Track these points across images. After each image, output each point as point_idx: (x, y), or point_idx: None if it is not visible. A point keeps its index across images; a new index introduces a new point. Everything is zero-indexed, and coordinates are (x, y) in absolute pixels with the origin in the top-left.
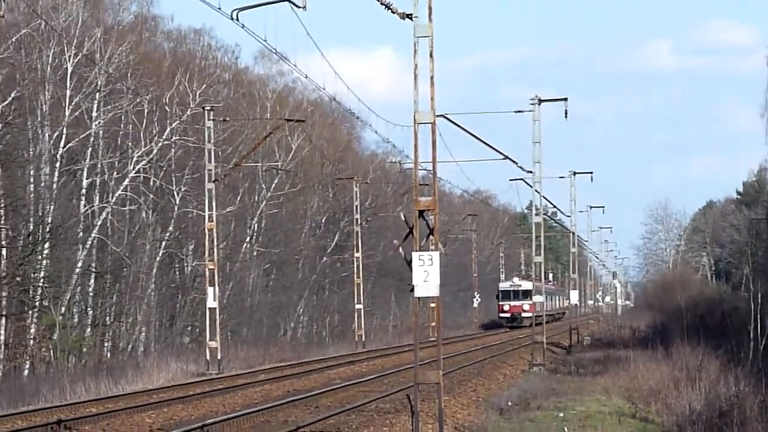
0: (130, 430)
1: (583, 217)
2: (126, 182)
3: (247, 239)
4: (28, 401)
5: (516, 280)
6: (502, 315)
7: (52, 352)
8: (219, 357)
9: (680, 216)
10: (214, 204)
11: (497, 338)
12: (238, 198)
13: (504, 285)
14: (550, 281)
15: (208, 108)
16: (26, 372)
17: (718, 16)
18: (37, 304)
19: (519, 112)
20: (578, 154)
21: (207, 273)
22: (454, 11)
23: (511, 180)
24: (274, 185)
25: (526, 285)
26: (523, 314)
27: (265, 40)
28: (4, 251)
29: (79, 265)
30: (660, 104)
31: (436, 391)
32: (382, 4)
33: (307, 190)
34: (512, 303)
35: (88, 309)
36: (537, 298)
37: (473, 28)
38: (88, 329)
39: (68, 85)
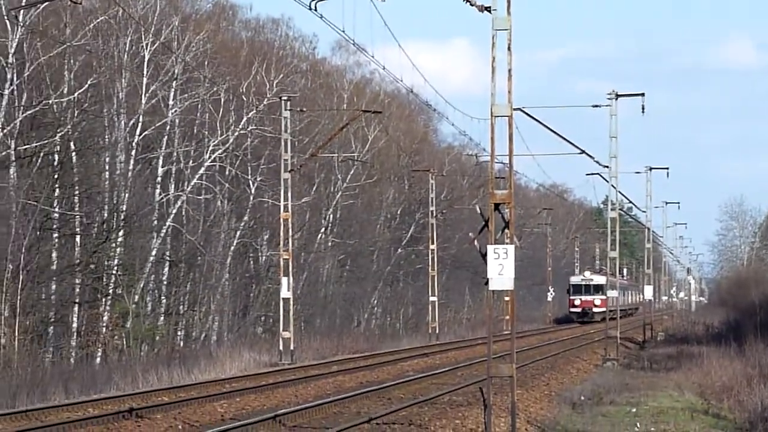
0: (202, 419)
1: (659, 212)
2: (201, 171)
3: (322, 230)
4: (100, 389)
5: (587, 274)
6: (572, 310)
7: (124, 340)
8: (292, 347)
9: (755, 213)
10: (289, 194)
11: (570, 332)
12: (314, 188)
13: (575, 279)
14: (623, 276)
15: (285, 98)
16: (98, 360)
17: None
18: (110, 291)
19: (596, 106)
20: (655, 149)
21: (281, 263)
22: (534, 3)
23: (587, 174)
24: (349, 176)
25: (598, 279)
26: (594, 309)
27: (343, 31)
28: (78, 239)
29: (153, 253)
30: (739, 100)
31: (509, 385)
32: None
33: (383, 181)
34: (583, 297)
35: (162, 297)
36: (611, 293)
37: (552, 20)
38: (161, 318)
39: (145, 72)
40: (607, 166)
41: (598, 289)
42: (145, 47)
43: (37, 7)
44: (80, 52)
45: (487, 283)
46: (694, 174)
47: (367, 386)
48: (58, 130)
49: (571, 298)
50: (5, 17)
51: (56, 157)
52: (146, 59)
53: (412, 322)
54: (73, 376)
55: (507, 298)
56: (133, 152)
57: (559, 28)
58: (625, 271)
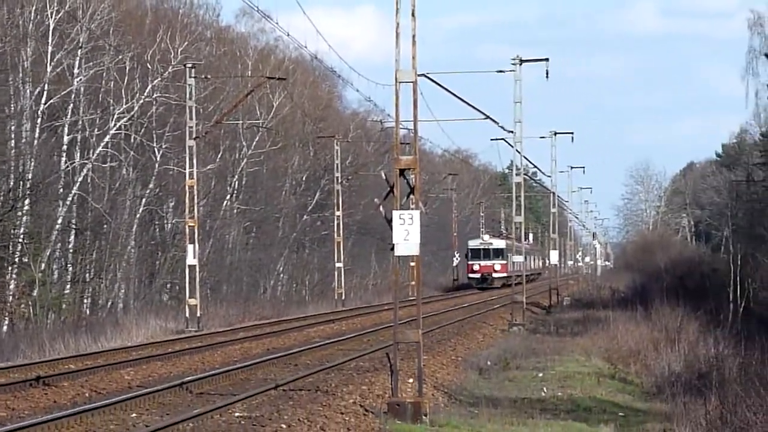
0: (109, 386)
1: (564, 177)
2: (107, 139)
3: (228, 197)
4: (6, 357)
5: (486, 237)
6: (471, 275)
7: (31, 308)
8: (198, 314)
9: (660, 177)
10: (194, 161)
11: (477, 297)
12: (219, 156)
13: (473, 243)
14: (527, 241)
15: (190, 65)
16: (5, 328)
17: None
18: (16, 260)
19: (500, 72)
20: (560, 115)
21: (187, 230)
22: None
23: (492, 140)
24: (255, 143)
25: (498, 243)
26: (494, 274)
27: None
28: None
29: (60, 221)
30: (643, 66)
31: (415, 350)
32: None
33: (288, 148)
34: (482, 262)
35: (68, 265)
36: (516, 258)
37: None
38: (68, 286)
39: (50, 41)
40: (512, 132)
41: (498, 253)
42: (49, 16)
43: None
44: None
45: (392, 248)
46: (600, 140)
47: (274, 353)
48: None
49: (470, 263)
50: None
51: None
52: (51, 28)
53: (318, 289)
54: None
55: (413, 264)
56: (39, 121)
57: None
58: (531, 236)
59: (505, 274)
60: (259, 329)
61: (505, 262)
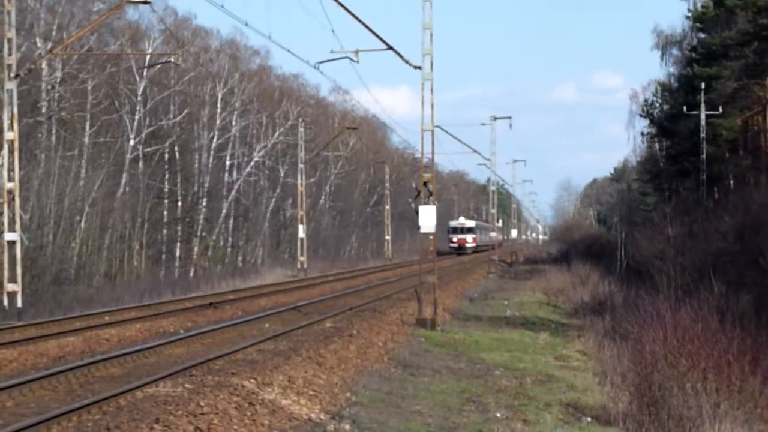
0: (252, 308)
1: (509, 169)
2: (252, 163)
3: (323, 197)
4: (192, 291)
5: (462, 219)
6: (450, 245)
7: (207, 262)
8: (305, 266)
9: (578, 187)
10: (303, 177)
11: (469, 258)
12: (318, 173)
13: (453, 223)
14: (488, 222)
15: (301, 120)
16: (191, 274)
17: (602, 68)
18: (198, 234)
19: (483, 125)
20: (517, 149)
21: (299, 217)
22: (446, 65)
23: (478, 164)
24: (338, 165)
25: (470, 223)
26: (467, 245)
27: (335, 81)
28: (180, 203)
29: (224, 211)
30: (565, 121)
31: (432, 288)
32: (403, 60)
33: (358, 169)
34: (459, 236)
35: (229, 237)
36: (492, 235)
37: (455, 74)
38: (229, 249)
39: (218, 105)
40: (489, 159)
41: (470, 230)
42: (218, 90)
43: (154, 66)
44: (179, 94)
45: (419, 228)
46: (539, 163)
47: (349, 289)
48: (167, 140)
49: (450, 236)
50: (135, 73)
51: (166, 155)
52: (219, 98)
53: (375, 251)
54: (176, 284)
55: (431, 237)
56: (212, 152)
57: (459, 77)
58: (500, 221)
59: (474, 245)
60: (340, 275)
61: (475, 236)
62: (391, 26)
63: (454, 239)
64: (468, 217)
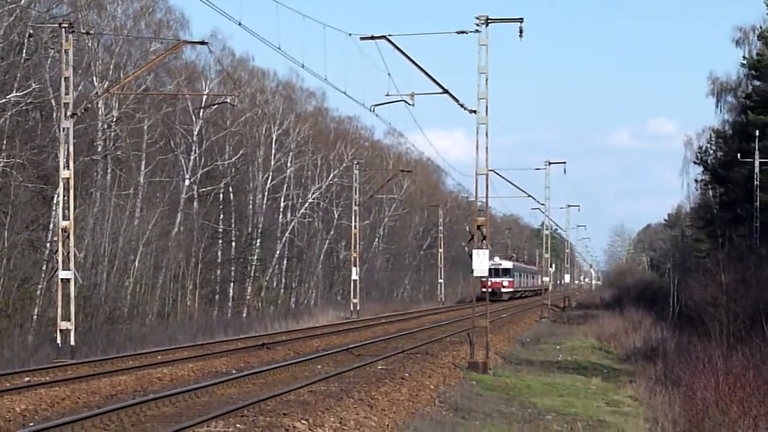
0: (305, 349)
1: (562, 213)
2: (306, 204)
3: (376, 239)
4: (245, 332)
5: (497, 259)
6: (483, 290)
7: (260, 303)
8: (358, 308)
9: (631, 233)
10: (357, 219)
11: (521, 302)
12: (372, 215)
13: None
14: (534, 264)
15: (356, 162)
16: (244, 315)
17: (658, 114)
18: (252, 274)
19: (537, 169)
20: (572, 193)
21: (352, 259)
22: (502, 109)
23: (532, 209)
24: (392, 208)
25: (506, 264)
26: (503, 290)
27: (390, 123)
28: (234, 243)
29: (278, 252)
30: (622, 166)
31: (484, 332)
32: (459, 104)
33: (412, 212)
34: (493, 279)
35: (283, 278)
36: (536, 278)
37: (511, 118)
38: (282, 290)
39: (273, 146)
40: (544, 204)
41: (506, 272)
42: (273, 131)
43: (210, 107)
44: (235, 134)
45: (472, 272)
46: (595, 207)
47: (402, 331)
48: (222, 180)
49: (481, 278)
50: (192, 113)
51: (221, 196)
52: (274, 139)
53: (428, 294)
54: (229, 324)
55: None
56: (266, 193)
57: (514, 121)
58: (553, 266)
59: (511, 290)
60: (393, 318)
61: (512, 279)
62: (446, 69)
63: (488, 283)
64: (506, 257)
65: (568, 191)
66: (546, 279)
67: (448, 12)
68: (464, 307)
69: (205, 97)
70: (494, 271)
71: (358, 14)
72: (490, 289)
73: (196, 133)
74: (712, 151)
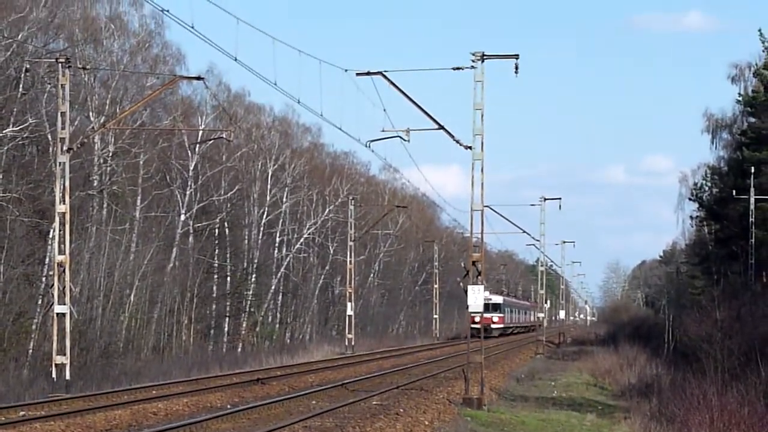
0: (299, 384)
1: (558, 249)
2: (301, 240)
3: (372, 274)
4: (240, 367)
5: (487, 293)
6: (472, 326)
7: (255, 338)
8: (353, 343)
9: (626, 269)
10: (352, 255)
11: (514, 338)
12: (367, 250)
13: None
14: (528, 299)
15: (351, 198)
16: (239, 350)
17: (653, 151)
18: (247, 309)
19: (533, 205)
20: (566, 230)
21: (347, 294)
22: (497, 145)
23: (527, 245)
24: (388, 243)
25: (496, 299)
26: (493, 325)
27: (385, 159)
28: (229, 278)
29: (273, 287)
30: (614, 203)
31: (479, 367)
32: (454, 140)
33: (407, 247)
34: (480, 315)
35: (278, 313)
36: (529, 313)
37: (507, 154)
38: (277, 325)
39: (269, 182)
40: (539, 240)
41: (496, 307)
42: (269, 166)
43: (206, 142)
44: (231, 170)
45: (468, 307)
46: (589, 243)
47: (397, 367)
48: (218, 215)
49: (472, 315)
50: (187, 148)
51: (217, 231)
52: (269, 174)
53: (423, 329)
54: (224, 359)
55: (478, 317)
56: (262, 228)
57: (510, 157)
58: (548, 302)
59: (501, 325)
60: (389, 353)
61: (502, 314)
62: (442, 104)
63: (477, 318)
64: (496, 292)
65: (563, 226)
66: (541, 315)
67: (444, 48)
68: (459, 343)
69: (200, 132)
70: (484, 306)
71: (354, 50)
72: (478, 325)
73: (191, 168)
74: (707, 188)
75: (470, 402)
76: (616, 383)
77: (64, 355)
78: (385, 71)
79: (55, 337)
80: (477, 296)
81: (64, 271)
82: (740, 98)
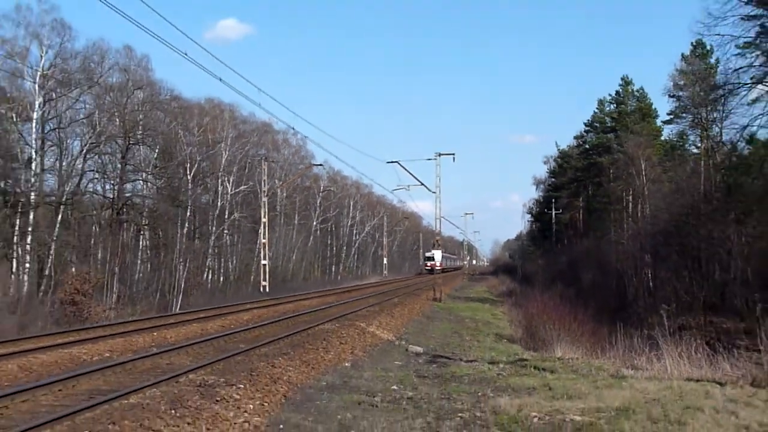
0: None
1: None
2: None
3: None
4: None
5: (433, 250)
6: (425, 268)
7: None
8: (386, 274)
9: (501, 241)
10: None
11: (452, 274)
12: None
13: (427, 253)
14: (454, 253)
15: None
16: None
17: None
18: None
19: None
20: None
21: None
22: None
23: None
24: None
25: (437, 254)
26: (435, 267)
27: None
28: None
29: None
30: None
31: (440, 284)
32: (428, 189)
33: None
34: (430, 262)
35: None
36: (454, 262)
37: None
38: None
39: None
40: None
41: (438, 257)
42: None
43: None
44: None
45: (426, 259)
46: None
47: (399, 287)
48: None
49: (425, 262)
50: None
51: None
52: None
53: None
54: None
55: (438, 268)
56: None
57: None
58: (464, 252)
59: (440, 268)
60: (387, 282)
61: (441, 261)
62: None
63: (428, 264)
64: (436, 249)
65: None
66: (465, 262)
67: (436, 142)
68: (419, 277)
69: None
70: (432, 258)
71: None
72: (429, 267)
73: (318, 203)
74: (536, 208)
75: (436, 300)
76: (497, 291)
77: (266, 281)
78: (399, 161)
79: (262, 274)
80: (435, 254)
81: (265, 245)
82: (548, 171)
